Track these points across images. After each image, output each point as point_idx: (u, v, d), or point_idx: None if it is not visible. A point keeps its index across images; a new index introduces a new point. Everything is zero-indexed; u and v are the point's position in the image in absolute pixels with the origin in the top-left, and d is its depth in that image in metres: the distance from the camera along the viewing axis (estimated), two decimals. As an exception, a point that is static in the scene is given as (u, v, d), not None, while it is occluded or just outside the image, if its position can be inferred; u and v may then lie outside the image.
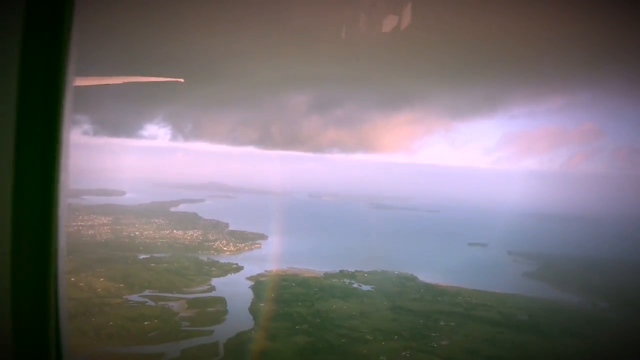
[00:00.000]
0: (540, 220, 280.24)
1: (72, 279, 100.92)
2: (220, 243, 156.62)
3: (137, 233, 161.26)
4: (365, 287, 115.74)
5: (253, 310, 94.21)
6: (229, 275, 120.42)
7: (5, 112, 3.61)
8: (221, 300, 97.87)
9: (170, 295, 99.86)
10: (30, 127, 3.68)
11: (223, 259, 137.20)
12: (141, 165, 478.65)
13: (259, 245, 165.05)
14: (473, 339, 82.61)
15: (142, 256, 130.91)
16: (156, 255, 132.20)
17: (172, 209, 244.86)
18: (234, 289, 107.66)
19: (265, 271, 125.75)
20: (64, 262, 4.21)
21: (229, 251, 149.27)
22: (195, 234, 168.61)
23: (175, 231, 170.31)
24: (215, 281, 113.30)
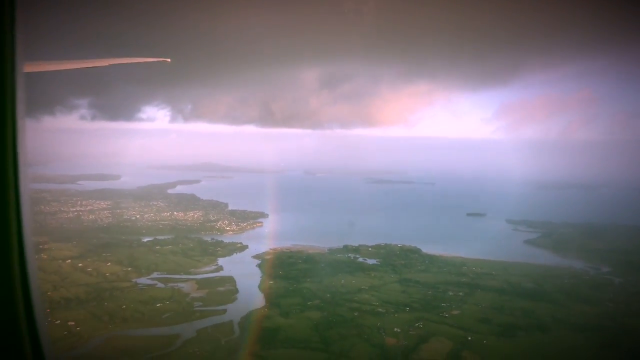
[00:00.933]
0: (538, 188, 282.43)
1: (80, 265, 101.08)
2: (222, 223, 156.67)
3: (137, 216, 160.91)
4: (370, 261, 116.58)
5: (263, 288, 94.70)
6: (234, 255, 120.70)
7: None
8: (230, 280, 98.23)
9: (179, 276, 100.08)
10: None
11: (227, 238, 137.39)
12: (134, 148, 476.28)
13: (260, 224, 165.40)
14: (483, 307, 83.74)
15: (145, 239, 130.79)
16: (159, 237, 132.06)
17: (170, 191, 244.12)
18: (242, 267, 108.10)
19: (270, 249, 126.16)
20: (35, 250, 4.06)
21: (232, 231, 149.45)
22: (196, 215, 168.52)
23: (175, 213, 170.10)
24: (221, 261, 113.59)
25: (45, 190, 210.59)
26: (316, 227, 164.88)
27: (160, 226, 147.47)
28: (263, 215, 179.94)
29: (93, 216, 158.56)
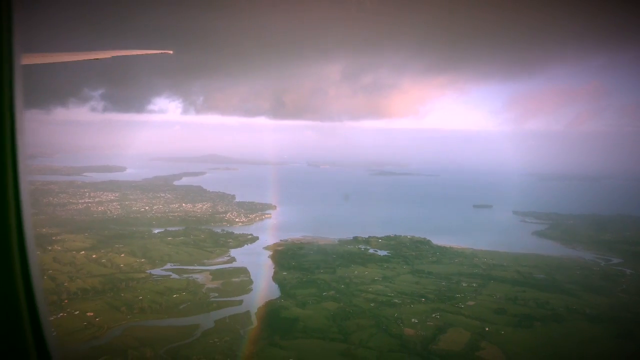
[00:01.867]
0: (544, 180, 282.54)
1: (94, 256, 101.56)
2: (232, 215, 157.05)
3: (147, 208, 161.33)
4: (381, 252, 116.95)
5: (277, 279, 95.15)
6: (245, 246, 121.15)
7: None
8: (244, 271, 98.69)
9: (193, 267, 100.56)
10: None
11: (237, 230, 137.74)
12: (138, 140, 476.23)
13: (269, 216, 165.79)
14: (497, 298, 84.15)
15: (156, 230, 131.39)
16: (170, 229, 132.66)
17: (176, 183, 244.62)
18: (254, 259, 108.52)
19: (281, 240, 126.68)
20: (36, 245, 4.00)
21: (241, 222, 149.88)
22: (205, 207, 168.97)
23: (184, 204, 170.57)
24: (233, 252, 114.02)
25: (52, 182, 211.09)
26: (324, 218, 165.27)
27: (170, 218, 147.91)
28: (271, 207, 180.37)
29: (102, 208, 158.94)
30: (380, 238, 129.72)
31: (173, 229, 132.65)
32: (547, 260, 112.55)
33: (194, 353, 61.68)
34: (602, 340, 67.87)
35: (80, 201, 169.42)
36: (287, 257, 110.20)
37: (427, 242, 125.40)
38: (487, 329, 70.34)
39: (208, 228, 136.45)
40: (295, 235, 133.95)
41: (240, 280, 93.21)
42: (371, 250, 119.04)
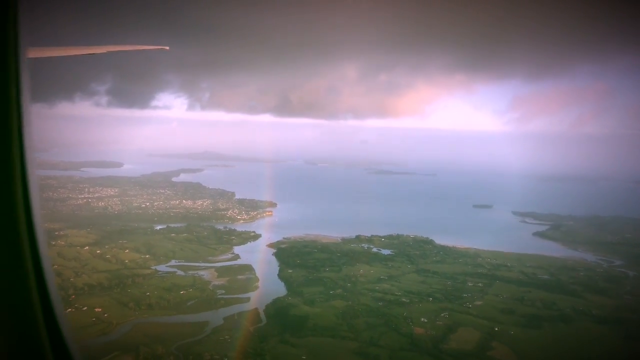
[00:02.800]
0: (543, 180, 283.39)
1: (98, 252, 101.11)
2: (233, 212, 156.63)
3: (147, 204, 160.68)
4: (385, 251, 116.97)
5: (283, 276, 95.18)
6: (249, 243, 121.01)
7: None
8: (249, 268, 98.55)
9: (198, 264, 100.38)
10: None
11: (239, 227, 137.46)
12: (135, 136, 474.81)
13: (270, 213, 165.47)
14: (504, 298, 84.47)
15: (158, 227, 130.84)
16: (172, 225, 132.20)
17: (174, 179, 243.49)
18: (258, 256, 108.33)
19: (284, 238, 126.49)
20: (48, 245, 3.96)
21: (243, 220, 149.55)
22: (205, 204, 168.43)
23: (184, 201, 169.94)
24: (237, 249, 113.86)
25: (50, 176, 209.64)
26: (325, 216, 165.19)
27: (172, 214, 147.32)
28: (271, 204, 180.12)
29: (102, 203, 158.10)
30: (383, 237, 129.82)
31: (175, 225, 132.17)
32: (550, 261, 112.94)
33: (206, 350, 61.49)
34: (611, 341, 68.27)
35: (80, 196, 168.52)
36: (291, 254, 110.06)
37: (430, 242, 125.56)
38: (496, 328, 70.61)
39: (210, 225, 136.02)
40: (298, 233, 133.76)
41: (246, 278, 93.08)
42: (375, 249, 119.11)
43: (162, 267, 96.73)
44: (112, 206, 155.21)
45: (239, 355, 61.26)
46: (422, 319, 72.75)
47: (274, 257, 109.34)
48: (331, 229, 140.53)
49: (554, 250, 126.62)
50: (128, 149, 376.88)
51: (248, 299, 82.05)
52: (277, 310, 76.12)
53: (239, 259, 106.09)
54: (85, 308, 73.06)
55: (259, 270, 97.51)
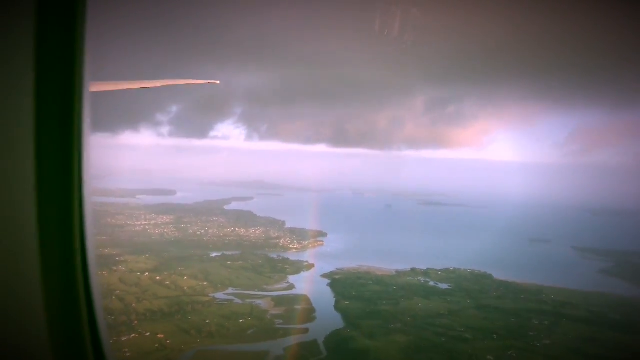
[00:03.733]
0: (605, 215, 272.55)
1: (157, 278, 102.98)
2: (285, 241, 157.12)
3: (202, 231, 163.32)
4: (442, 286, 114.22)
5: (339, 308, 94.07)
6: (302, 273, 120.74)
7: (23, 117, 3.56)
8: (305, 298, 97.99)
9: (254, 293, 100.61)
10: (48, 131, 3.62)
11: (292, 256, 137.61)
12: (188, 165, 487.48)
13: (321, 243, 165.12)
14: (573, 338, 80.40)
15: (213, 254, 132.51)
16: (227, 253, 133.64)
17: (226, 207, 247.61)
18: (313, 286, 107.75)
19: (337, 269, 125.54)
20: (96, 256, 4.09)
21: (295, 249, 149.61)
22: (258, 232, 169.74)
23: (237, 229, 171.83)
24: (291, 278, 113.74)
25: (107, 203, 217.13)
26: (377, 247, 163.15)
27: (226, 242, 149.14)
28: (322, 234, 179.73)
29: (159, 230, 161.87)
30: (440, 270, 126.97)
31: (230, 253, 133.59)
32: (619, 300, 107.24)
33: (269, 381, 60.95)
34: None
35: (137, 223, 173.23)
36: (346, 286, 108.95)
37: (488, 277, 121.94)
38: (569, 370, 67.10)
39: (263, 253, 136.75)
40: (351, 264, 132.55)
41: (302, 308, 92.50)
42: (431, 283, 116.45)
43: (219, 295, 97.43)
44: (169, 233, 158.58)
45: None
46: (489, 357, 70.16)
47: (328, 288, 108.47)
48: (384, 260, 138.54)
49: (621, 288, 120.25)
50: (181, 177, 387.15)
51: (307, 330, 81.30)
52: (337, 343, 75.09)
53: (294, 289, 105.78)
54: (148, 334, 74.09)
55: (315, 301, 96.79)
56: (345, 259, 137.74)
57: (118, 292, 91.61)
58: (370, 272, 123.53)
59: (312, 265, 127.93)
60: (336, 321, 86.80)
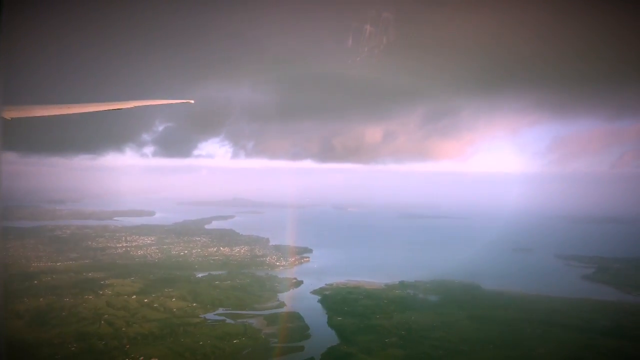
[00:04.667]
0: (584, 223, 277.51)
1: (145, 300, 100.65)
2: (271, 258, 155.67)
3: (186, 252, 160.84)
4: (432, 298, 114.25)
5: (332, 324, 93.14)
6: (292, 290, 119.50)
7: None
8: (297, 316, 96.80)
9: (245, 312, 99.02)
10: None
11: (279, 273, 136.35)
12: (166, 184, 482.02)
13: (307, 259, 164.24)
14: (569, 346, 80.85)
15: (199, 274, 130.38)
16: (213, 272, 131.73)
17: (207, 227, 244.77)
18: (303, 303, 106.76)
19: (326, 284, 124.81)
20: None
21: (282, 266, 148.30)
22: (242, 250, 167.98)
23: (221, 248, 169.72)
24: (281, 296, 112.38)
25: (86, 226, 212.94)
26: (363, 262, 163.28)
27: (212, 261, 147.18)
28: (307, 250, 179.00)
29: (141, 252, 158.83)
30: (428, 282, 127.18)
31: (216, 272, 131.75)
32: (606, 305, 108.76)
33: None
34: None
35: (118, 245, 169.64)
36: (337, 301, 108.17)
37: (476, 287, 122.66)
38: (568, 378, 67.33)
39: (250, 272, 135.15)
40: (339, 279, 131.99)
41: (295, 326, 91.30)
42: (421, 295, 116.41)
43: (210, 315, 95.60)
44: (152, 254, 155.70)
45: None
46: (488, 368, 69.93)
47: (319, 304, 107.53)
48: (372, 275, 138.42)
49: (606, 294, 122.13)
50: (159, 197, 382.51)
51: (302, 348, 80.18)
52: (334, 360, 74.09)
53: (285, 307, 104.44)
54: (141, 358, 72.08)
55: (307, 318, 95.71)
56: (333, 275, 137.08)
57: (106, 316, 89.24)
58: (360, 287, 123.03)
59: (301, 282, 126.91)
60: (331, 337, 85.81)
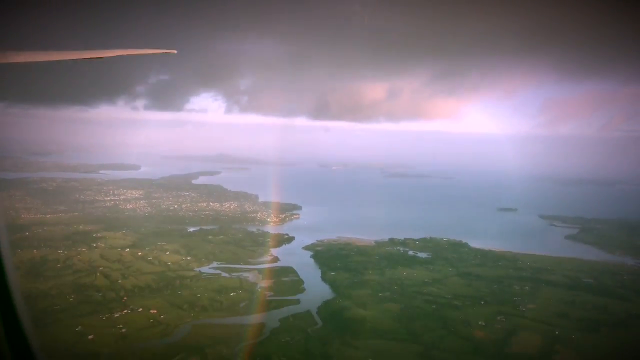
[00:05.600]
0: (564, 185, 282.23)
1: (139, 253, 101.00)
2: (262, 214, 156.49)
3: (175, 206, 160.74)
4: (421, 254, 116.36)
5: (326, 279, 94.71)
6: (284, 246, 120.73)
7: None
8: (291, 270, 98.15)
9: (239, 266, 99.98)
10: None
11: (271, 229, 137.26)
12: (149, 138, 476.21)
13: (297, 216, 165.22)
14: (555, 302, 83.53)
15: (191, 229, 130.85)
16: (205, 227, 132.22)
17: (194, 182, 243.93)
18: (297, 258, 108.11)
19: (317, 241, 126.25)
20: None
21: (273, 222, 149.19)
22: (232, 206, 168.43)
23: (211, 203, 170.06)
24: (274, 251, 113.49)
25: (72, 179, 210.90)
26: (352, 219, 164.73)
27: (202, 216, 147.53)
28: (296, 207, 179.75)
29: (131, 205, 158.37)
30: (417, 240, 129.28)
31: (208, 227, 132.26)
32: (590, 264, 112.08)
33: (272, 352, 61.10)
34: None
35: (106, 199, 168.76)
36: (329, 257, 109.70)
37: (465, 245, 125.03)
38: (557, 332, 69.85)
39: (242, 227, 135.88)
40: (330, 236, 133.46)
41: (290, 280, 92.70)
42: (410, 252, 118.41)
43: (205, 269, 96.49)
44: (141, 208, 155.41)
45: (305, 358, 60.82)
46: (480, 322, 72.14)
47: (312, 260, 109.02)
48: (361, 231, 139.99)
49: (590, 253, 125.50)
50: (143, 152, 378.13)
51: (298, 301, 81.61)
52: (331, 313, 75.70)
53: (278, 262, 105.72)
54: (140, 309, 72.91)
55: (301, 272, 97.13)
56: (323, 231, 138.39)
57: (101, 268, 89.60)
58: (350, 243, 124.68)
59: (293, 238, 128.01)
60: (325, 292, 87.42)
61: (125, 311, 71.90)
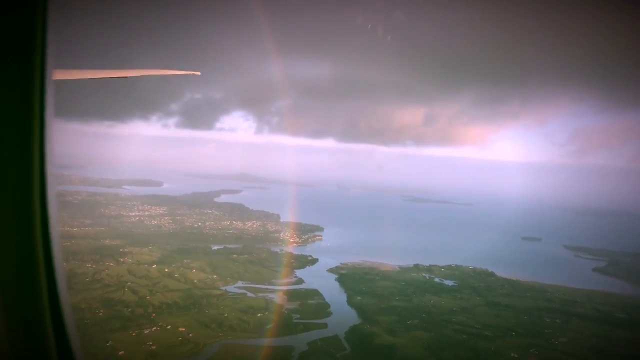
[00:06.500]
0: (593, 215, 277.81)
1: (166, 270, 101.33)
2: (284, 234, 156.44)
3: (199, 224, 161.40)
4: (447, 282, 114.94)
5: (352, 303, 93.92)
6: (308, 267, 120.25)
7: None
8: (316, 293, 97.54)
9: (265, 287, 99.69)
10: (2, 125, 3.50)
11: (294, 250, 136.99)
12: (171, 156, 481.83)
13: (320, 237, 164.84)
14: (587, 336, 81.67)
15: (215, 247, 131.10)
16: (229, 246, 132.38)
17: (216, 200, 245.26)
18: (321, 281, 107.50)
19: (341, 264, 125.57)
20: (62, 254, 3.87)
21: (296, 243, 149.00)
22: (255, 225, 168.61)
23: (234, 222, 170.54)
24: (298, 273, 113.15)
25: (96, 193, 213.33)
26: (375, 243, 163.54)
27: (226, 235, 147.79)
28: (318, 228, 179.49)
29: (155, 221, 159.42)
30: (442, 267, 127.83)
31: (231, 246, 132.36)
32: (620, 298, 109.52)
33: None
34: None
35: (131, 214, 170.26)
36: (354, 281, 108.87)
37: (491, 274, 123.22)
38: (592, 368, 68.10)
39: (265, 247, 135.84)
40: (354, 259, 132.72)
41: (316, 303, 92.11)
42: (437, 280, 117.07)
43: (231, 288, 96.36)
44: (165, 225, 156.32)
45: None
46: (513, 354, 70.67)
47: (337, 283, 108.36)
48: (385, 256, 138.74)
49: (618, 287, 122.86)
50: (165, 168, 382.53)
51: (325, 325, 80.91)
52: (359, 339, 74.85)
53: (303, 283, 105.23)
54: (169, 327, 72.84)
55: (327, 296, 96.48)
56: (346, 254, 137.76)
57: (129, 283, 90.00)
58: (375, 268, 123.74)
59: (316, 260, 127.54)
60: (351, 316, 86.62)
61: (155, 328, 71.90)
